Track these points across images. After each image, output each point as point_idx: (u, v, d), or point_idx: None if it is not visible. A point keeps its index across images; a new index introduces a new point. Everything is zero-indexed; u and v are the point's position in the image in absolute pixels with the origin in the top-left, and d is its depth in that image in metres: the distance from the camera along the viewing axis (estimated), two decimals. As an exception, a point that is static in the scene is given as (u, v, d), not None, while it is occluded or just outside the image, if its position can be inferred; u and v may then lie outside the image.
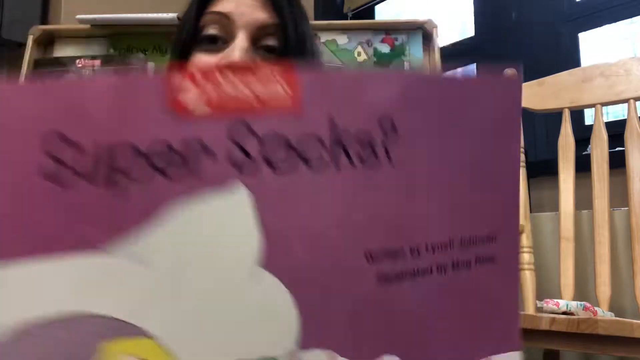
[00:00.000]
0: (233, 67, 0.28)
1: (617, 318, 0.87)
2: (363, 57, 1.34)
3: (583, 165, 1.19)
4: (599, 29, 1.61)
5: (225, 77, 0.28)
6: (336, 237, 0.30)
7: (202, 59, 0.57)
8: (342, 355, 0.31)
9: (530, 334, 0.89)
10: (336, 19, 2.16)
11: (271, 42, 0.57)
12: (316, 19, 2.38)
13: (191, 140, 0.27)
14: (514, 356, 0.36)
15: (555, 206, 1.22)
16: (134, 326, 0.27)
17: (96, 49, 1.34)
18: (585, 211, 1.24)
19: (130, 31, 1.34)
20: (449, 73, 0.39)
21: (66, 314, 0.27)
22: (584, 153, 1.30)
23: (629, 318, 0.87)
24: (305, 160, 0.29)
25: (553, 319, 0.87)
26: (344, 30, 1.35)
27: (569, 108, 1.20)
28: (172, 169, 0.27)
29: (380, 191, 0.31)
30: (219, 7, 0.58)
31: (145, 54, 1.30)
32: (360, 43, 1.35)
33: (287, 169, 0.29)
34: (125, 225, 0.27)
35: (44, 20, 1.95)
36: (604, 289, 1.08)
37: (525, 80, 1.26)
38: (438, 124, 0.32)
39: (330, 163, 0.30)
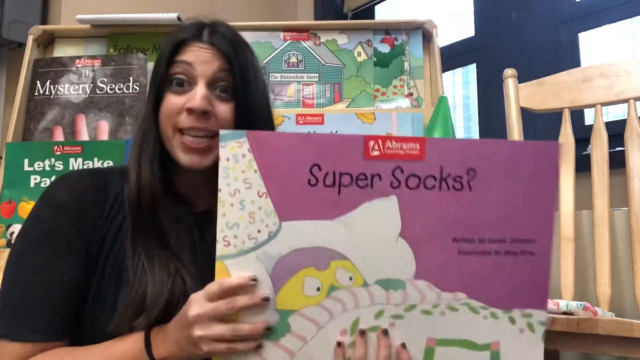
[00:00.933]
0: (396, 138, 0.61)
1: (617, 318, 0.87)
2: (363, 57, 1.34)
3: (583, 165, 1.19)
4: (599, 29, 1.61)
5: (390, 141, 0.61)
6: (438, 226, 0.61)
7: (172, 99, 0.73)
8: (435, 286, 0.61)
9: (530, 334, 0.89)
10: (336, 19, 2.16)
11: (224, 84, 0.74)
12: (316, 19, 2.38)
13: (372, 171, 0.60)
14: (542, 313, 0.63)
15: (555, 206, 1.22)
16: (343, 255, 0.60)
17: (96, 49, 1.35)
18: (585, 211, 1.24)
19: (130, 31, 1.34)
20: (509, 141, 0.66)
21: (315, 245, 0.60)
22: (584, 153, 1.30)
23: (629, 318, 0.87)
24: (425, 185, 0.61)
25: (553, 319, 0.87)
26: (344, 30, 1.36)
27: (569, 108, 1.20)
28: (363, 184, 0.60)
29: (463, 205, 0.61)
30: (184, 57, 0.74)
31: (145, 54, 1.30)
32: (360, 43, 1.35)
33: (415, 188, 0.60)
34: (342, 211, 0.60)
35: (44, 20, 1.95)
36: (604, 289, 1.08)
37: (525, 80, 1.26)
38: (502, 168, 0.61)
39: (437, 187, 0.61)
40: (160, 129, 0.75)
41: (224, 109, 0.73)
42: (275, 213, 0.59)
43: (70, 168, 1.16)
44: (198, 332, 0.59)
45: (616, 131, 1.23)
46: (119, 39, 1.34)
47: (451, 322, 0.62)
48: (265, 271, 0.59)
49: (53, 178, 1.16)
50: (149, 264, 0.69)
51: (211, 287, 0.60)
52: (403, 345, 0.61)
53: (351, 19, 2.37)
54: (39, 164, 1.17)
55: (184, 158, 0.72)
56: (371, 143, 0.60)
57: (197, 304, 0.60)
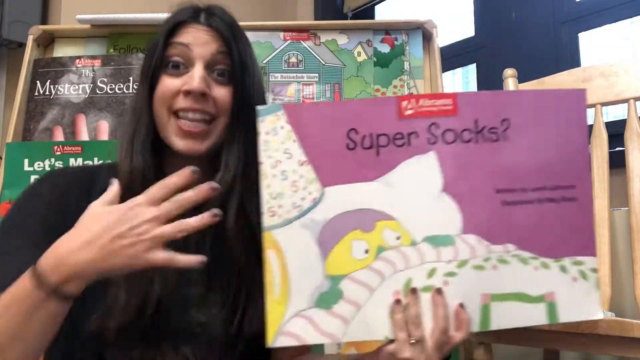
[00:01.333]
0: (428, 95, 0.62)
1: (617, 318, 0.86)
2: (363, 57, 1.34)
3: (583, 165, 1.19)
4: (599, 29, 1.61)
5: (423, 99, 0.61)
6: (479, 178, 0.61)
7: (167, 82, 0.71)
8: (484, 239, 0.61)
9: (530, 334, 0.89)
10: (336, 19, 2.16)
11: (222, 66, 0.72)
12: (316, 19, 2.38)
13: (408, 129, 0.61)
14: (591, 260, 0.63)
15: (555, 206, 1.22)
16: (388, 215, 0.61)
17: (96, 48, 1.34)
18: (585, 211, 1.24)
19: (130, 31, 1.34)
20: (536, 90, 0.67)
21: (359, 208, 0.60)
22: (584, 153, 1.30)
23: (629, 318, 0.87)
24: (461, 138, 0.61)
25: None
26: (344, 30, 1.35)
27: (569, 108, 1.20)
28: (400, 143, 0.61)
29: (501, 156, 0.61)
30: (181, 39, 0.72)
31: (145, 54, 1.29)
32: (360, 43, 1.35)
33: (453, 142, 0.61)
34: (382, 171, 0.60)
35: (44, 20, 1.95)
36: (604, 289, 1.08)
37: (525, 80, 1.26)
38: (533, 116, 0.62)
39: (474, 140, 0.61)
40: (154, 116, 0.72)
41: (222, 93, 0.71)
42: (317, 179, 0.60)
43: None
44: (148, 234, 0.55)
45: (616, 131, 1.23)
46: (119, 39, 1.34)
47: (503, 275, 0.61)
48: (312, 238, 0.60)
49: (53, 178, 1.16)
50: None
51: (152, 191, 0.57)
52: (461, 305, 0.60)
53: (351, 19, 2.37)
54: (39, 164, 1.17)
55: (179, 143, 0.70)
56: (404, 103, 0.61)
57: (141, 208, 0.56)
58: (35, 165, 1.17)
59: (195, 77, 0.69)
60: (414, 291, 0.60)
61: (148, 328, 0.65)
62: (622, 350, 0.83)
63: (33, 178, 1.17)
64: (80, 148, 1.18)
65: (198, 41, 0.71)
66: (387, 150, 0.61)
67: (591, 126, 1.18)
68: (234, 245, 0.69)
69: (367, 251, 0.60)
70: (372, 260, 0.60)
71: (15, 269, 0.60)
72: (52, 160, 1.17)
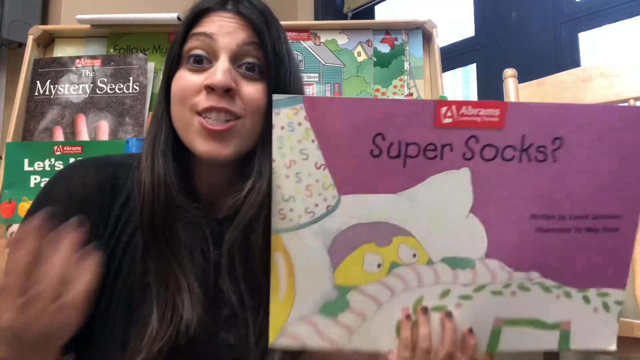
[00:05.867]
0: (473, 103, 0.53)
1: (617, 318, 0.86)
2: (363, 57, 1.34)
3: (583, 165, 1.19)
4: (599, 29, 1.61)
5: (466, 107, 0.53)
6: (515, 201, 0.54)
7: (186, 77, 0.63)
8: (507, 265, 0.56)
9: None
10: (336, 19, 2.16)
11: (251, 60, 0.63)
12: (316, 19, 2.38)
13: (443, 140, 0.53)
14: (618, 293, 0.58)
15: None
16: (407, 231, 0.55)
17: (96, 49, 1.34)
18: (585, 211, 1.24)
19: (130, 31, 1.34)
20: (600, 105, 0.59)
21: (377, 220, 0.55)
22: (584, 153, 1.30)
23: (629, 318, 0.87)
24: (502, 156, 0.54)
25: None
26: (344, 30, 1.35)
27: (569, 108, 1.20)
28: (431, 155, 0.53)
29: (545, 178, 0.54)
30: (203, 28, 0.63)
31: (145, 54, 1.30)
32: (360, 43, 1.35)
33: (492, 160, 0.54)
34: (407, 184, 0.54)
35: (44, 20, 1.95)
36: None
37: (525, 80, 1.26)
38: (591, 137, 0.54)
39: (517, 159, 0.54)
40: (173, 117, 0.64)
41: (251, 90, 0.62)
42: (334, 186, 0.55)
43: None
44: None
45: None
46: (119, 39, 1.34)
47: (521, 301, 0.57)
48: (322, 246, 0.55)
49: (53, 178, 1.16)
50: (156, 288, 0.60)
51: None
52: (470, 331, 0.57)
53: (351, 19, 2.37)
54: (39, 164, 1.17)
55: (202, 146, 0.61)
56: (443, 109, 0.53)
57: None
58: (35, 165, 1.17)
59: (219, 69, 0.60)
60: (425, 310, 0.56)
61: (177, 354, 0.60)
62: (622, 350, 0.83)
63: (33, 178, 1.17)
64: (80, 148, 1.18)
65: (223, 30, 0.62)
66: (415, 162, 0.54)
67: (591, 126, 1.18)
68: (263, 262, 0.62)
69: (379, 265, 0.56)
70: (384, 275, 0.56)
71: None
72: (52, 160, 1.17)
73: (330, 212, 0.55)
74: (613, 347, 0.59)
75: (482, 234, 0.56)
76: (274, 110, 0.54)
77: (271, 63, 0.63)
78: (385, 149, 0.54)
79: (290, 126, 0.54)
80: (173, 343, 0.59)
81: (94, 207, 0.63)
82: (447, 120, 0.53)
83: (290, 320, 0.56)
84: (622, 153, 0.55)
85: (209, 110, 0.60)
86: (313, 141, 0.54)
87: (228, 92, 0.60)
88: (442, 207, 0.55)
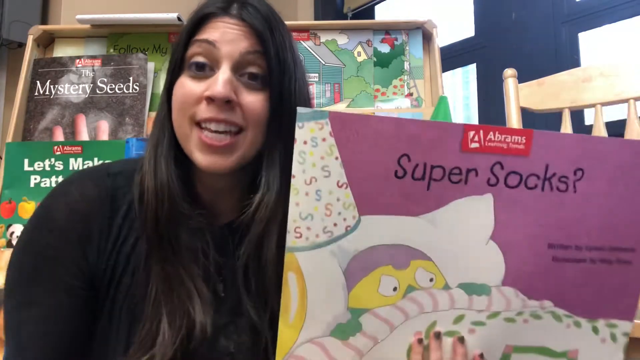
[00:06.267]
0: (500, 129, 0.53)
1: (617, 318, 0.86)
2: (363, 57, 1.34)
3: (583, 165, 1.19)
4: (599, 29, 1.61)
5: (493, 133, 0.53)
6: (534, 230, 0.54)
7: (188, 85, 0.61)
8: (522, 293, 0.56)
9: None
10: (336, 19, 2.16)
11: (254, 69, 0.61)
12: (316, 19, 2.38)
13: (468, 165, 0.53)
14: (626, 324, 0.59)
15: (555, 206, 1.22)
16: (426, 255, 0.54)
17: (96, 49, 1.35)
18: (585, 211, 1.24)
19: (130, 31, 1.34)
20: (622, 139, 0.57)
21: (395, 243, 0.54)
22: (584, 153, 1.30)
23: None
24: (526, 184, 0.54)
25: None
26: (344, 30, 1.35)
27: (569, 108, 1.20)
28: (456, 180, 0.53)
29: (565, 208, 0.54)
30: (205, 35, 0.61)
31: (145, 54, 1.30)
32: (360, 43, 1.35)
33: (515, 187, 0.53)
34: (430, 207, 0.53)
35: (44, 20, 1.95)
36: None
37: (525, 80, 1.26)
38: (612, 169, 0.54)
39: (539, 187, 0.54)
40: (174, 125, 0.63)
41: (251, 100, 0.60)
42: (355, 206, 0.53)
43: (70, 168, 1.16)
44: None
45: (616, 131, 1.23)
46: (119, 39, 1.34)
47: (532, 329, 0.57)
48: (338, 267, 0.54)
49: (53, 178, 1.16)
50: (164, 294, 0.60)
51: None
52: (481, 356, 0.56)
53: (351, 19, 2.37)
54: (39, 164, 1.17)
55: (201, 159, 0.60)
56: (471, 134, 0.52)
57: None
58: (35, 165, 1.17)
59: (220, 80, 0.59)
60: (437, 335, 0.56)
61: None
62: (622, 350, 0.82)
63: (33, 178, 1.17)
64: (80, 148, 1.18)
65: (226, 38, 0.60)
66: (439, 185, 0.53)
67: (591, 126, 1.18)
68: (271, 276, 0.62)
69: (395, 289, 0.55)
70: (399, 298, 0.55)
71: (42, 324, 0.58)
72: (52, 160, 1.17)
73: (349, 232, 0.53)
74: None
75: (500, 260, 0.55)
76: (297, 124, 0.52)
77: (274, 72, 0.61)
78: (410, 171, 0.52)
79: (314, 141, 0.52)
80: (185, 348, 0.58)
81: (95, 221, 0.62)
82: (474, 145, 0.53)
83: (298, 342, 0.54)
84: (636, 186, 0.55)
85: (209, 121, 0.59)
86: (337, 158, 0.52)
87: (229, 102, 0.59)
88: (463, 233, 0.54)
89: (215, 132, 0.59)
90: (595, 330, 0.58)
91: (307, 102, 0.66)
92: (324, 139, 0.52)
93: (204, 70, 0.61)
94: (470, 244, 0.55)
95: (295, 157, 0.52)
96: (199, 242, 0.62)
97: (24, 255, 0.61)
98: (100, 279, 0.61)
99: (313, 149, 0.52)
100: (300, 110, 0.52)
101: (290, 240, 0.53)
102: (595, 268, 0.56)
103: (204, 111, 0.59)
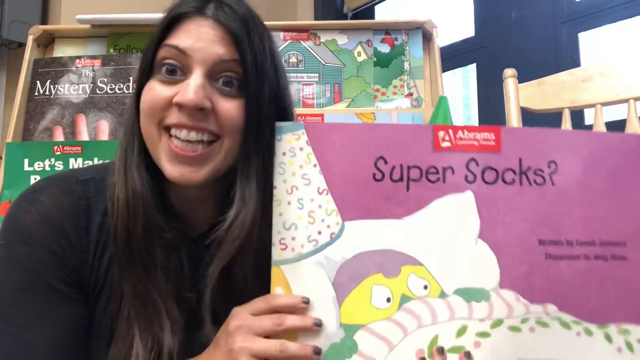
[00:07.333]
0: (468, 127, 0.54)
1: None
2: (363, 57, 1.34)
3: (583, 165, 1.19)
4: (599, 29, 1.61)
5: (462, 131, 0.54)
6: (521, 225, 0.54)
7: (156, 89, 0.57)
8: (523, 297, 0.53)
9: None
10: (336, 19, 2.16)
11: (229, 74, 0.57)
12: (316, 19, 2.38)
13: (444, 164, 0.54)
14: (639, 329, 0.55)
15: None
16: (415, 259, 0.53)
17: (96, 49, 1.34)
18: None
19: (130, 31, 1.34)
20: (589, 131, 0.59)
21: (383, 248, 0.53)
22: (584, 153, 1.29)
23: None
24: (503, 179, 0.54)
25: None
26: (344, 30, 1.35)
27: (569, 108, 1.20)
28: (434, 179, 0.53)
29: (547, 202, 0.54)
30: (177, 40, 0.57)
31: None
32: (360, 43, 1.35)
33: (493, 183, 0.54)
34: (412, 208, 0.53)
35: (44, 20, 1.95)
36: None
37: (525, 80, 1.26)
38: (584, 161, 0.55)
39: (517, 182, 0.54)
40: (142, 131, 0.59)
41: (227, 107, 0.56)
42: (337, 212, 0.53)
43: (70, 168, 1.16)
44: (239, 343, 0.49)
45: (616, 131, 1.23)
46: (119, 39, 1.34)
47: (541, 340, 0.53)
48: (327, 278, 0.52)
49: (53, 178, 1.16)
50: (136, 314, 0.57)
51: (256, 303, 0.51)
52: None
53: (351, 19, 2.37)
54: (39, 164, 1.17)
55: (170, 170, 0.56)
56: (441, 133, 0.54)
57: (239, 316, 0.51)
58: (35, 165, 1.17)
59: (191, 86, 0.55)
60: (440, 351, 0.51)
61: None
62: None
63: (33, 178, 1.17)
64: (80, 148, 1.18)
65: (199, 43, 0.56)
66: (418, 185, 0.53)
67: (591, 126, 1.18)
68: (248, 295, 0.57)
69: (389, 299, 0.52)
70: (394, 310, 0.52)
71: (49, 342, 0.55)
72: (52, 160, 1.17)
73: (334, 239, 0.53)
74: None
75: (493, 261, 0.54)
76: (276, 137, 0.53)
77: (250, 79, 0.57)
78: (387, 173, 0.53)
79: (292, 152, 0.53)
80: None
81: (71, 230, 0.58)
82: (446, 144, 0.54)
83: None
84: (612, 178, 0.55)
85: (178, 127, 0.55)
86: (315, 165, 0.53)
87: (202, 110, 0.55)
88: (450, 232, 0.53)
89: (187, 141, 0.55)
90: (608, 338, 0.55)
91: (288, 108, 0.62)
92: (301, 149, 0.53)
93: (175, 74, 0.57)
94: (459, 244, 0.53)
95: (276, 168, 0.53)
96: (172, 258, 0.59)
97: (5, 274, 0.56)
98: (85, 290, 0.59)
99: (292, 158, 0.53)
100: (277, 124, 0.53)
101: (276, 253, 0.52)
102: (592, 266, 0.55)
103: (173, 116, 0.56)
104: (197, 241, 0.62)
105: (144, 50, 0.62)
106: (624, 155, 0.56)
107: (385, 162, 0.53)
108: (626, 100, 1.13)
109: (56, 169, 1.17)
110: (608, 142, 0.56)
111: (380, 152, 0.53)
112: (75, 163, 1.17)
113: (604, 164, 0.55)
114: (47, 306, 0.56)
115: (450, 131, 0.54)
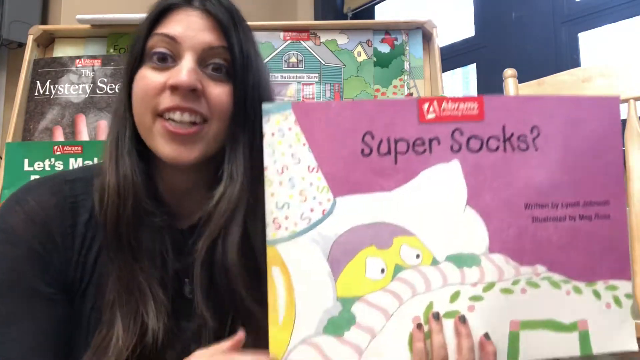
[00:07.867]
0: (452, 98, 0.55)
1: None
2: (363, 57, 1.34)
3: (583, 165, 1.19)
4: (599, 29, 1.61)
5: (446, 102, 0.55)
6: (507, 191, 0.55)
7: (149, 76, 0.60)
8: (512, 259, 0.55)
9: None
10: (336, 19, 2.16)
11: (217, 60, 0.61)
12: (316, 19, 2.38)
13: (430, 135, 0.55)
14: (626, 284, 0.58)
15: (555, 206, 1.22)
16: (407, 230, 0.54)
17: (96, 49, 1.34)
18: (585, 211, 1.24)
19: (130, 31, 1.34)
20: (567, 96, 0.61)
21: (375, 221, 0.54)
22: (584, 153, 1.30)
23: (629, 318, 0.87)
24: (488, 147, 0.55)
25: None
26: (344, 30, 1.35)
27: (569, 108, 1.20)
28: (421, 150, 0.55)
29: (531, 166, 0.56)
30: (167, 29, 0.61)
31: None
32: (360, 43, 1.35)
33: (478, 151, 0.55)
34: (400, 180, 0.54)
35: (44, 20, 1.95)
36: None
37: (525, 80, 1.26)
38: (564, 125, 0.57)
39: (501, 148, 0.55)
40: (135, 118, 0.61)
41: (217, 92, 0.60)
42: (328, 188, 0.54)
43: (70, 168, 1.16)
44: None
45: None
46: (119, 39, 1.34)
47: (533, 300, 0.56)
48: (322, 254, 0.53)
49: (53, 178, 1.16)
50: (119, 297, 0.58)
51: (217, 356, 0.52)
52: (486, 336, 0.53)
53: (351, 19, 2.37)
54: (39, 164, 1.17)
55: (165, 149, 0.59)
56: (425, 105, 0.55)
57: None
58: (35, 165, 1.17)
59: (184, 69, 0.58)
60: (436, 317, 0.53)
61: None
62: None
63: (33, 178, 1.17)
64: (80, 148, 1.18)
65: (189, 30, 0.60)
66: (406, 158, 0.55)
67: (591, 126, 1.18)
68: (233, 278, 0.60)
69: (383, 270, 0.54)
70: (389, 281, 0.54)
71: (26, 340, 0.56)
72: (52, 160, 1.17)
73: (327, 216, 0.54)
74: (634, 346, 0.58)
75: (481, 226, 0.55)
76: (264, 118, 0.54)
77: (238, 64, 0.61)
78: (375, 147, 0.54)
79: (281, 132, 0.54)
80: (141, 353, 0.57)
81: (57, 229, 0.59)
82: (431, 116, 0.55)
83: (292, 346, 0.53)
84: (591, 140, 0.57)
85: (173, 109, 0.58)
86: (304, 144, 0.54)
87: (194, 92, 0.58)
88: (439, 201, 0.55)
89: (180, 121, 0.58)
90: (597, 294, 0.57)
91: (270, 95, 0.66)
92: (289, 128, 0.54)
93: (166, 62, 0.60)
94: (448, 212, 0.55)
95: (266, 149, 0.54)
96: (158, 245, 0.60)
97: None
98: (69, 288, 0.59)
99: (281, 138, 0.54)
100: (264, 105, 0.54)
101: (270, 233, 0.54)
102: (578, 225, 0.57)
103: (167, 100, 0.58)
104: (184, 232, 0.64)
105: (132, 41, 0.64)
106: (601, 117, 0.58)
107: (373, 137, 0.54)
108: (626, 101, 1.13)
109: (56, 169, 1.17)
110: (585, 106, 0.58)
111: (367, 127, 0.54)
112: (75, 163, 1.17)
113: (582, 127, 0.57)
114: (26, 305, 0.57)
115: (435, 102, 0.55)
